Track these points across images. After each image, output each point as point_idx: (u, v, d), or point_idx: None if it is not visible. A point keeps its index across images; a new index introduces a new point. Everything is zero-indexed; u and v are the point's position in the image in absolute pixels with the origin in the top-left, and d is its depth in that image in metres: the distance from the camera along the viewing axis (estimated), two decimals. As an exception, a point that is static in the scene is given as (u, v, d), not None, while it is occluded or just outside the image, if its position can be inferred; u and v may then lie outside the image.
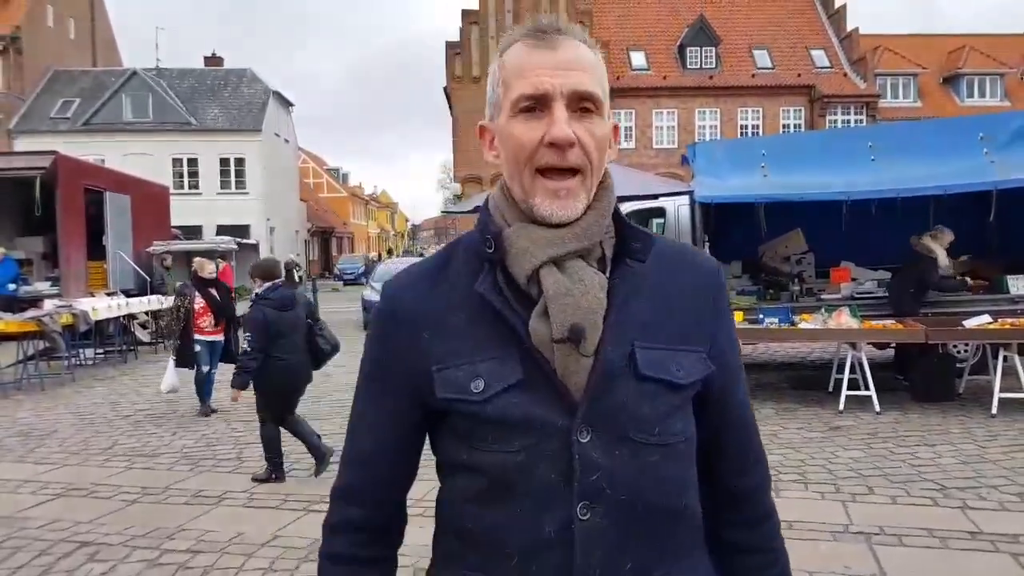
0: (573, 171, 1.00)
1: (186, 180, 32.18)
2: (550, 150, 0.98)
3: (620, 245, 1.07)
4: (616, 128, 1.10)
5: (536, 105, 0.99)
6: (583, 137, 0.99)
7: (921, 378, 7.53)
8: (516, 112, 1.01)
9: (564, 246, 1.00)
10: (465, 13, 32.27)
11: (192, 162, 32.32)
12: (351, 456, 1.13)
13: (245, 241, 20.36)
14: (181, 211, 24.87)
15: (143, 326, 14.09)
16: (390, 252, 50.47)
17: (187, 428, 7.38)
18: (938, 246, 7.75)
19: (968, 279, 8.19)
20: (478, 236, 1.07)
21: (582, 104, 1.00)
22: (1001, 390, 6.78)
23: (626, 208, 10.78)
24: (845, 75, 32.99)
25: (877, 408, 6.96)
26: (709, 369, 1.07)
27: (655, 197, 9.43)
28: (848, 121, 32.10)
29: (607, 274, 1.04)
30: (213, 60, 37.17)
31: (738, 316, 7.73)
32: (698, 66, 33.05)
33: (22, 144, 28.30)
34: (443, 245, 1.20)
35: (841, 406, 7.07)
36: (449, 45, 32.44)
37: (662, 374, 1.02)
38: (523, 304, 1.02)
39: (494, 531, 1.00)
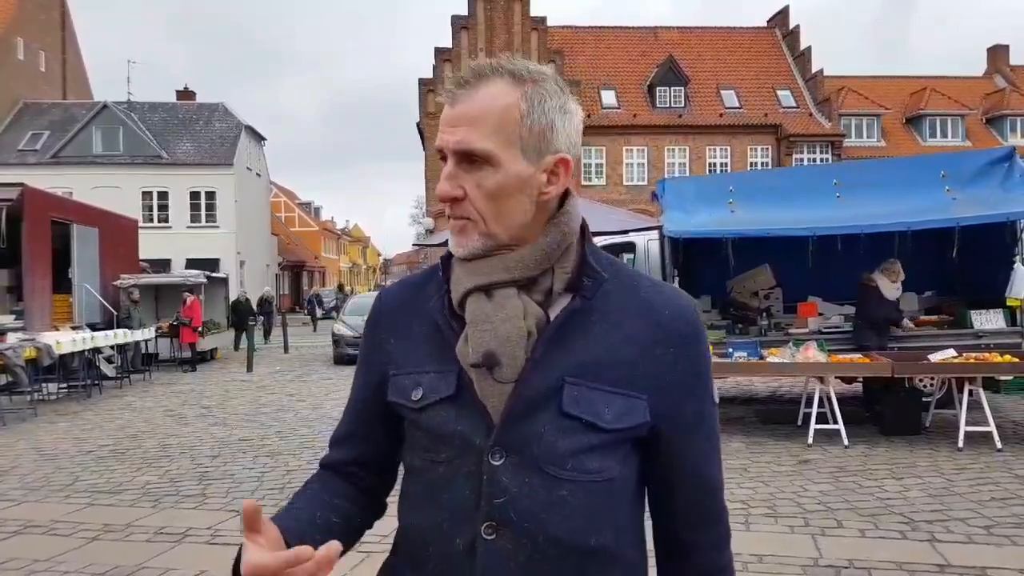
0: (463, 218, 1.04)
1: (155, 213, 31.93)
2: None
3: (572, 281, 1.07)
4: (561, 162, 1.06)
5: (444, 157, 1.05)
6: (469, 191, 1.02)
7: (888, 412, 7.63)
8: (440, 160, 1.07)
9: (489, 276, 1.04)
10: (438, 51, 32.71)
11: (162, 195, 32.11)
12: (335, 435, 1.24)
13: (214, 275, 20.14)
14: (150, 245, 24.62)
15: (108, 360, 13.82)
16: (340, 288, 50.26)
17: (151, 464, 7.21)
18: (883, 277, 7.89)
19: (906, 318, 8.28)
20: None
21: (469, 159, 1.02)
22: (967, 424, 6.89)
23: (596, 243, 10.88)
24: (811, 115, 33.87)
25: (845, 442, 7.03)
26: (644, 419, 1.04)
27: (625, 232, 9.53)
28: (814, 159, 32.86)
29: (552, 308, 1.05)
30: (185, 94, 37.12)
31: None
32: (667, 105, 33.73)
33: (-12, 176, 27.85)
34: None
35: (810, 440, 7.13)
36: (423, 82, 32.78)
37: (586, 414, 1.01)
38: (461, 325, 1.06)
39: (420, 534, 1.07)
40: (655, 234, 9.30)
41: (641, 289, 1.09)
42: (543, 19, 32.77)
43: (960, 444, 6.83)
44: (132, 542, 4.95)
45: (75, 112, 33.03)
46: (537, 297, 1.05)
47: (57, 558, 4.63)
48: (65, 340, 11.18)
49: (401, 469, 1.20)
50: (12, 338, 10.49)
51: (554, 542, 1.00)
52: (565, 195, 1.10)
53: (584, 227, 1.12)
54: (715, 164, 33.20)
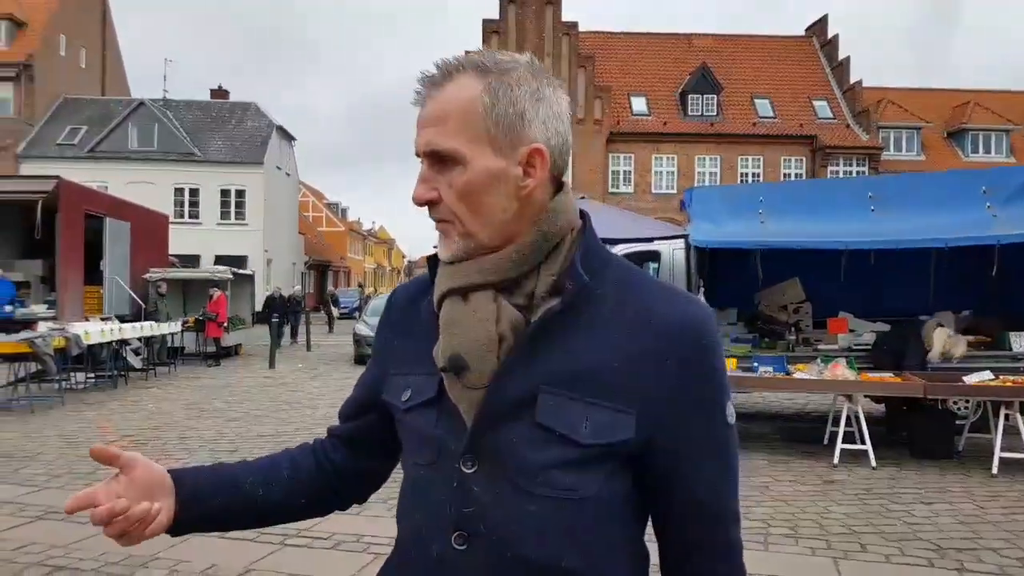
0: (443, 221, 1.02)
1: (187, 209, 32.34)
2: None
3: (556, 284, 0.99)
4: (535, 152, 0.98)
5: (422, 161, 1.02)
6: (444, 193, 0.99)
7: (919, 434, 7.43)
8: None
9: (465, 278, 1.01)
10: (467, 53, 32.76)
11: (193, 192, 32.53)
12: (342, 408, 1.26)
13: (241, 271, 20.32)
14: (181, 240, 24.95)
15: (136, 352, 13.99)
16: (361, 287, 50.52)
17: (171, 456, 7.25)
18: (940, 341, 7.54)
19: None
20: None
21: (439, 159, 0.99)
22: (1002, 449, 6.66)
23: (619, 250, 10.79)
24: (848, 127, 33.39)
25: (873, 463, 6.85)
26: (628, 435, 0.95)
27: (650, 240, 9.42)
28: (850, 172, 32.39)
29: (533, 312, 0.99)
30: (219, 93, 37.61)
31: (732, 363, 7.67)
32: (699, 113, 33.46)
33: (27, 168, 28.53)
34: None
35: (836, 459, 6.95)
36: (455, 85, 32.86)
37: (560, 427, 0.94)
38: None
39: (406, 537, 1.07)
40: (681, 243, 9.17)
41: (644, 295, 1.00)
42: (574, 24, 32.67)
43: (994, 470, 6.61)
44: (147, 534, 4.98)
45: (113, 108, 33.61)
46: (518, 301, 0.99)
47: (74, 545, 4.67)
48: (93, 330, 11.32)
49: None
50: (42, 327, 10.65)
51: (521, 560, 0.95)
52: (559, 190, 1.03)
53: (585, 226, 1.04)
54: (747, 174, 32.88)
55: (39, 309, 13.39)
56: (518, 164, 0.97)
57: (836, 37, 35.98)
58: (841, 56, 35.30)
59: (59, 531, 4.94)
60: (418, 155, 1.01)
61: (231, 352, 18.10)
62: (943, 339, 7.54)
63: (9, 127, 30.98)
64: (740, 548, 1.03)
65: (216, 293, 16.67)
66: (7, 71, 31.40)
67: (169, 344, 15.66)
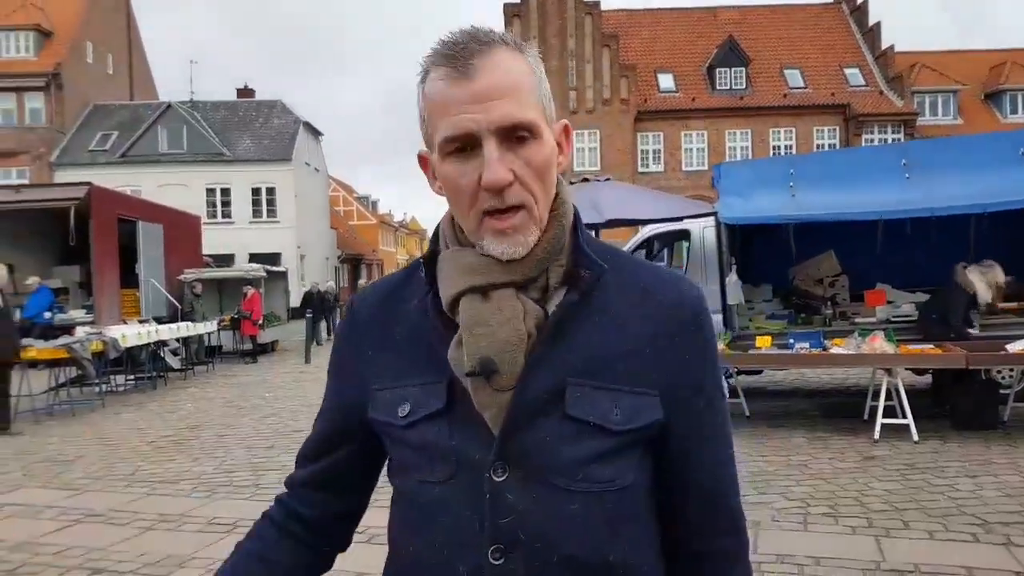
0: (517, 207, 0.92)
1: (219, 209, 32.76)
2: (488, 193, 0.90)
3: (568, 273, 0.96)
4: (567, 129, 0.99)
5: (465, 145, 0.90)
6: (520, 171, 0.90)
7: (962, 405, 7.21)
8: (446, 154, 0.92)
9: (489, 276, 0.93)
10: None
11: (225, 191, 32.92)
12: (303, 451, 1.14)
13: (274, 269, 20.54)
14: (214, 239, 25.27)
15: (174, 352, 14.23)
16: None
17: (208, 454, 7.35)
18: (982, 281, 7.38)
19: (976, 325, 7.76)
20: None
21: (515, 135, 0.90)
22: (1048, 417, 6.46)
23: (649, 231, 10.63)
24: (881, 93, 32.59)
25: (915, 437, 6.67)
26: (657, 416, 0.95)
27: (679, 219, 9.26)
28: (885, 140, 31.62)
29: (550, 304, 0.95)
30: (245, 92, 37.95)
31: (767, 341, 7.53)
32: (728, 87, 32.91)
33: (62, 176, 29.07)
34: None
35: (876, 435, 6.78)
36: (477, 71, 32.71)
37: (593, 416, 0.92)
38: (450, 330, 0.96)
39: (417, 562, 0.97)
40: (711, 221, 9.01)
41: (640, 277, 1.00)
42: (596, 3, 32.26)
43: (1041, 439, 6.41)
44: (184, 532, 5.05)
45: (142, 112, 34.12)
46: (534, 295, 0.95)
47: (113, 547, 4.74)
48: (130, 333, 11.51)
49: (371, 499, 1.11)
50: (80, 332, 10.85)
51: (568, 560, 0.91)
52: None
53: (576, 213, 1.01)
54: (779, 147, 32.29)
55: (77, 314, 13.69)
56: (556, 142, 0.96)
57: (866, 2, 35.07)
58: (871, 21, 34.40)
59: (99, 534, 5.03)
60: (471, 136, 0.89)
61: (267, 349, 18.33)
62: (980, 275, 7.35)
63: (42, 136, 31.64)
64: (743, 517, 1.04)
65: (250, 291, 16.87)
66: (37, 81, 32.02)
67: (207, 343, 15.91)
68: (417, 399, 0.96)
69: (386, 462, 1.08)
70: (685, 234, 10.18)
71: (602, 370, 0.94)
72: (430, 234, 1.10)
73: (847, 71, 33.36)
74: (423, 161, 1.02)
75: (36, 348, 9.76)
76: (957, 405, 7.28)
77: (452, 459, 0.94)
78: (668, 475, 1.00)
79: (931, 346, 7.14)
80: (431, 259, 1.00)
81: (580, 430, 0.92)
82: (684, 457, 0.99)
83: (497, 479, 0.91)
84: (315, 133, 38.22)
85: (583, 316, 0.95)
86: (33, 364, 9.91)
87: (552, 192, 0.95)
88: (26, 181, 28.04)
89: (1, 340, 8.64)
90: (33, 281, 13.52)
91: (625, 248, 10.75)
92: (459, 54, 0.90)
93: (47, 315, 12.62)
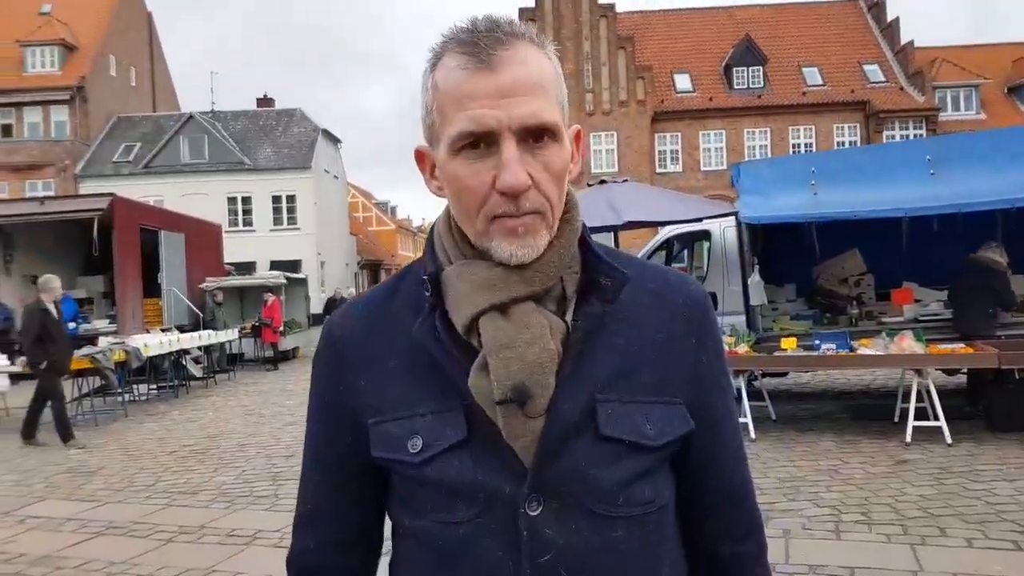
0: (531, 213, 0.85)
1: (240, 217, 32.97)
2: (502, 197, 0.82)
3: (586, 282, 0.89)
4: (579, 135, 0.92)
5: (479, 142, 0.83)
6: (538, 176, 0.83)
7: (997, 406, 7.01)
8: (457, 150, 0.84)
9: (509, 290, 0.85)
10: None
11: (246, 200, 33.12)
12: (301, 514, 1.02)
13: (293, 275, 20.63)
14: (236, 247, 25.45)
15: (196, 361, 14.30)
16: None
17: (228, 464, 7.34)
18: (1003, 258, 7.29)
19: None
20: (420, 272, 0.93)
21: (535, 136, 0.83)
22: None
23: (668, 231, 10.50)
24: (902, 89, 32.16)
25: (948, 440, 6.49)
26: (688, 426, 0.91)
27: (699, 220, 9.14)
28: (907, 136, 31.18)
29: (568, 316, 0.88)
30: (265, 101, 38.23)
31: (792, 343, 7.38)
32: (745, 86, 32.64)
33: (86, 188, 29.41)
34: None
35: (908, 438, 6.61)
36: (494, 76, 32.71)
37: (628, 434, 0.86)
38: (465, 353, 0.86)
39: None
40: (732, 220, 8.87)
41: (650, 280, 0.95)
42: (611, 5, 32.14)
43: (1080, 440, 6.21)
44: (204, 544, 5.02)
45: (164, 123, 34.46)
46: (551, 307, 0.88)
47: (133, 560, 4.73)
48: (153, 342, 11.57)
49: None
50: (103, 342, 10.92)
51: None
52: None
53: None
54: (799, 145, 31.93)
55: (101, 324, 13.82)
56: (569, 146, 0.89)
57: (884, -2, 34.66)
58: (890, 17, 33.99)
59: (119, 546, 5.02)
60: (490, 133, 0.82)
61: (288, 356, 18.38)
62: (997, 253, 7.26)
63: (67, 148, 32.05)
64: (761, 520, 1.02)
65: (270, 299, 16.93)
66: (62, 95, 32.45)
67: (228, 351, 15.98)
68: (430, 430, 0.87)
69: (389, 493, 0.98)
70: (705, 234, 10.05)
71: (628, 383, 0.88)
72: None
73: (866, 67, 32.97)
74: (421, 157, 0.93)
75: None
76: (992, 406, 7.08)
77: (479, 495, 0.85)
78: (691, 484, 0.95)
79: (962, 345, 6.96)
80: (436, 275, 0.90)
81: (617, 450, 0.86)
82: (709, 464, 0.95)
83: (532, 513, 0.84)
84: (334, 140, 38.41)
85: (606, 327, 0.89)
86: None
87: (564, 198, 0.89)
88: (51, 193, 28.40)
89: (58, 352, 8.63)
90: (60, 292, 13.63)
91: (645, 249, 10.69)
92: (481, 42, 0.82)
93: (71, 325, 12.71)
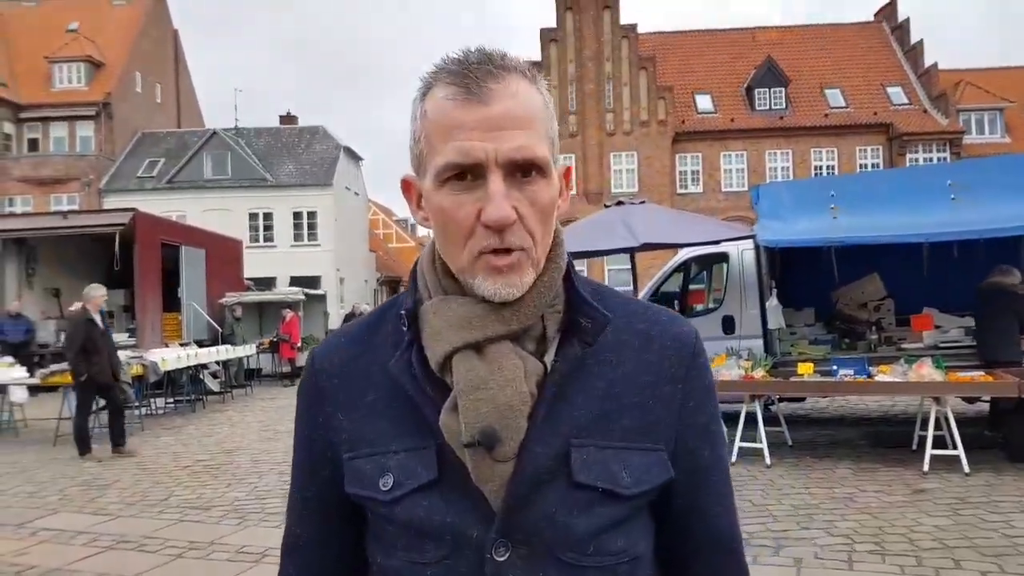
0: (516, 249, 0.83)
1: (261, 233, 33.29)
2: (487, 231, 0.81)
3: (568, 322, 0.87)
4: (568, 172, 0.91)
5: (466, 174, 0.82)
6: (524, 211, 0.82)
7: (1016, 436, 6.87)
8: (443, 181, 0.83)
9: (485, 329, 0.83)
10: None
11: (267, 216, 33.45)
12: (287, 542, 1.00)
13: (312, 292, 20.75)
14: (257, 263, 25.66)
15: (213, 375, 14.39)
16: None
17: (241, 480, 7.35)
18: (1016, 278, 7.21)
19: None
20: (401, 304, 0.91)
21: (523, 170, 0.82)
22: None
23: (686, 253, 10.46)
24: (925, 112, 31.95)
25: (966, 469, 6.37)
26: (668, 474, 0.88)
27: (717, 242, 9.09)
28: (930, 159, 30.94)
29: (547, 357, 0.86)
30: (288, 119, 38.70)
31: (809, 368, 7.30)
32: (767, 107, 32.60)
33: (110, 202, 29.86)
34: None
35: (926, 467, 6.49)
36: (514, 96, 32.88)
37: (602, 481, 0.84)
38: (439, 391, 0.85)
39: None
40: (751, 243, 8.82)
41: (636, 320, 0.92)
42: (633, 26, 32.28)
43: (1104, 473, 6.07)
44: (214, 560, 5.02)
45: (188, 139, 34.98)
46: (529, 347, 0.86)
47: (142, 574, 4.72)
48: (170, 357, 11.66)
49: None
50: (121, 356, 11.00)
51: None
52: None
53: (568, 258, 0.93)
54: (820, 167, 31.77)
55: (121, 337, 13.90)
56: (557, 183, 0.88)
57: (907, 21, 34.52)
58: (914, 40, 33.84)
59: (129, 561, 5.03)
60: (477, 165, 0.81)
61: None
62: (1012, 275, 7.19)
63: (91, 163, 32.60)
64: (744, 556, 0.98)
65: (288, 315, 17.03)
66: (88, 110, 33.11)
67: (246, 366, 16.07)
68: (402, 468, 0.85)
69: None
70: (724, 257, 9.99)
71: (607, 427, 0.85)
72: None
73: (889, 90, 32.81)
74: (407, 186, 0.92)
75: (78, 372, 9.90)
76: (1011, 435, 6.95)
77: (447, 537, 0.84)
78: (672, 531, 0.92)
79: (981, 373, 6.85)
80: (413, 310, 0.89)
81: (589, 498, 0.83)
82: (692, 511, 0.92)
83: (499, 559, 0.82)
84: (355, 158, 38.74)
85: (585, 369, 0.87)
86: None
87: (551, 236, 0.87)
88: (76, 207, 28.86)
89: (100, 364, 8.57)
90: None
91: (662, 271, 10.65)
92: (472, 74, 0.81)
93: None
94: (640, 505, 0.88)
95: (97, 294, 8.74)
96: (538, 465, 0.83)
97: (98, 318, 8.67)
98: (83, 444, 8.66)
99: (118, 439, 8.72)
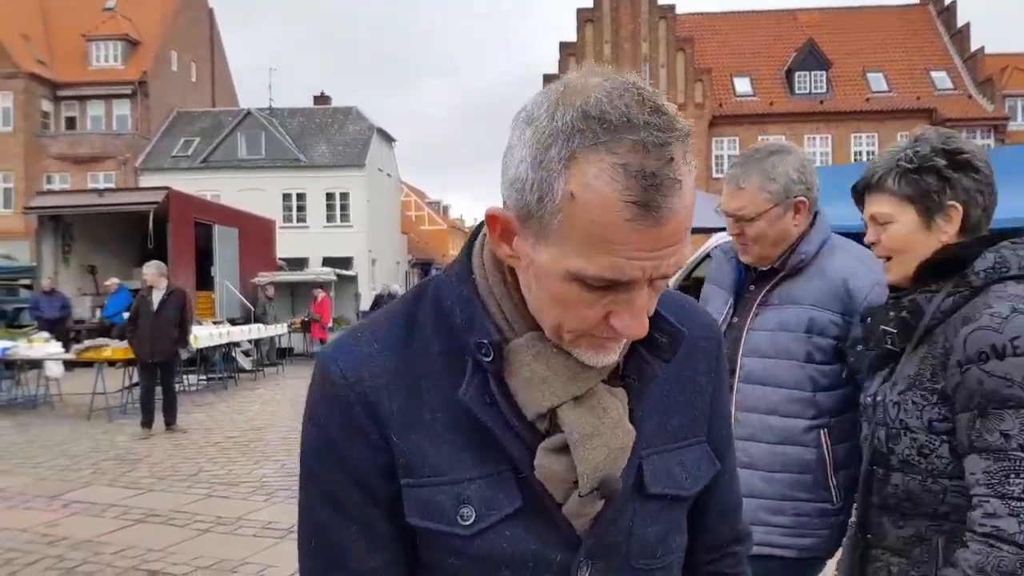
0: None
1: (294, 214, 33.55)
2: (610, 328, 0.75)
3: (643, 339, 0.80)
4: None
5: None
6: (650, 307, 0.77)
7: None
8: (575, 278, 0.72)
9: (589, 382, 0.79)
10: (563, 45, 32.43)
11: (300, 196, 33.69)
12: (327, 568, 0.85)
13: (344, 272, 20.88)
14: (289, 243, 25.86)
15: (246, 354, 14.55)
16: None
17: (270, 457, 7.42)
18: None
19: None
20: (456, 314, 0.82)
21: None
22: None
23: (716, 239, 10.24)
24: (970, 97, 31.08)
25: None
26: (715, 468, 0.92)
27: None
28: (973, 146, 30.12)
29: (619, 378, 0.83)
30: (321, 99, 38.86)
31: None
32: (807, 91, 31.95)
33: (146, 180, 30.27)
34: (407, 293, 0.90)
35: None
36: (546, 78, 32.62)
37: (668, 487, 0.87)
38: (524, 424, 0.80)
39: None
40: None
41: (666, 311, 0.85)
42: (672, 6, 31.78)
43: None
44: (240, 536, 5.08)
45: (222, 119, 35.29)
46: (605, 376, 0.83)
47: (169, 548, 4.80)
48: (203, 334, 11.78)
49: None
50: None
51: None
52: None
53: None
54: (860, 153, 31.09)
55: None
56: None
57: (954, 3, 33.51)
58: (960, 23, 32.86)
59: (157, 534, 5.10)
60: (631, 281, 0.72)
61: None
62: None
63: (128, 142, 33.05)
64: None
65: (320, 295, 17.15)
66: (124, 89, 33.53)
67: (277, 345, 16.22)
68: (483, 499, 0.79)
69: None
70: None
71: (664, 430, 0.88)
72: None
73: (934, 74, 31.94)
74: (494, 221, 0.77)
75: (112, 347, 10.07)
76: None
77: (529, 563, 0.80)
78: (693, 506, 0.95)
79: None
80: (498, 346, 0.79)
81: (660, 506, 0.87)
82: (712, 488, 0.95)
83: None
84: (388, 139, 38.83)
85: (653, 383, 0.87)
86: (112, 363, 10.22)
87: None
88: (112, 185, 29.33)
89: (137, 338, 8.65)
90: (112, 282, 14.05)
91: (695, 256, 10.46)
92: (655, 187, 0.68)
93: (125, 315, 13.05)
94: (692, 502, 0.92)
95: (148, 272, 8.85)
96: (623, 490, 0.83)
97: (154, 295, 8.70)
98: (143, 414, 8.68)
99: (168, 417, 8.79)
